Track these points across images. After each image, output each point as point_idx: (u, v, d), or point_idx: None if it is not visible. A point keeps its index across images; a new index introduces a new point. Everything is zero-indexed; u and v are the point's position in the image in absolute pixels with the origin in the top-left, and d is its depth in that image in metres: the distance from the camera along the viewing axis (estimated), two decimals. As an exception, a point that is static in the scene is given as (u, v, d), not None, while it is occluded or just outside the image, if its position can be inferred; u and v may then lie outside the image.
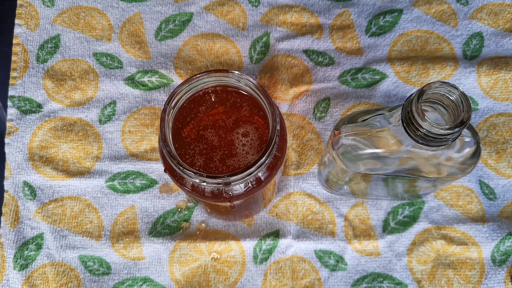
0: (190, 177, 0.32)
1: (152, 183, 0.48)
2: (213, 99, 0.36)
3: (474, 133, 0.35)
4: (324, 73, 0.51)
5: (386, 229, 0.46)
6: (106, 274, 0.46)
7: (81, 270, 0.46)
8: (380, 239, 0.46)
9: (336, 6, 0.53)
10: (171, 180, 0.44)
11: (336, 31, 0.52)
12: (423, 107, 0.31)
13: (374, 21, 0.52)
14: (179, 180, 0.34)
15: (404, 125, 0.30)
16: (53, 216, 0.47)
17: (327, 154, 0.42)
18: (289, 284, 0.45)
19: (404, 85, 0.50)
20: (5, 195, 0.47)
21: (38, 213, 0.47)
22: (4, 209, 0.47)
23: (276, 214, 0.47)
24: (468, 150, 0.35)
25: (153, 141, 0.49)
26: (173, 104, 0.34)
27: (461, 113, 0.29)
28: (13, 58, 0.51)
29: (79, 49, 0.52)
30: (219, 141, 0.35)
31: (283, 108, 0.50)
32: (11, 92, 0.50)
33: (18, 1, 0.53)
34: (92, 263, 0.46)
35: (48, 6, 0.53)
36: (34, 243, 0.46)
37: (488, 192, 0.47)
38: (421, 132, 0.29)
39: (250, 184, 0.34)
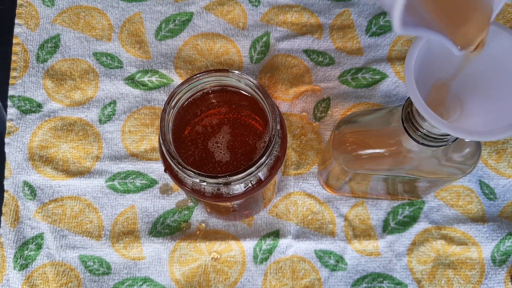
0: (190, 176, 0.32)
1: (152, 183, 0.48)
2: (213, 99, 0.36)
3: (474, 133, 0.35)
4: (324, 73, 0.51)
5: (386, 229, 0.46)
6: (106, 274, 0.46)
7: (81, 270, 0.46)
8: (380, 239, 0.46)
9: (336, 6, 0.53)
10: (171, 180, 0.44)
11: (336, 31, 0.52)
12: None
13: (374, 21, 0.52)
14: (179, 180, 0.34)
15: (404, 125, 0.30)
16: (53, 216, 0.47)
17: (327, 154, 0.42)
18: (289, 284, 0.45)
19: (405, 85, 0.50)
20: (5, 195, 0.47)
21: (38, 213, 0.47)
22: (4, 209, 0.47)
23: (276, 214, 0.47)
24: (468, 150, 0.35)
25: (153, 141, 0.49)
26: (173, 104, 0.34)
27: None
28: (13, 57, 0.51)
29: (79, 48, 0.52)
30: (219, 140, 0.35)
31: (283, 108, 0.50)
32: (11, 92, 0.50)
33: (18, 1, 0.53)
34: (92, 263, 0.46)
35: (48, 6, 0.53)
36: (34, 243, 0.46)
37: (488, 192, 0.47)
38: (421, 133, 0.29)
39: (250, 184, 0.34)
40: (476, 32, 0.24)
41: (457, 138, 0.29)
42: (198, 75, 0.34)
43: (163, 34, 0.52)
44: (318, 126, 0.49)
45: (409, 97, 0.30)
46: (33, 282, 0.45)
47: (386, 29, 0.52)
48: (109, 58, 0.51)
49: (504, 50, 0.26)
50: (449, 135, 0.29)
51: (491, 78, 0.27)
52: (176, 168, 0.32)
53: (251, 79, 0.33)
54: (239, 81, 0.34)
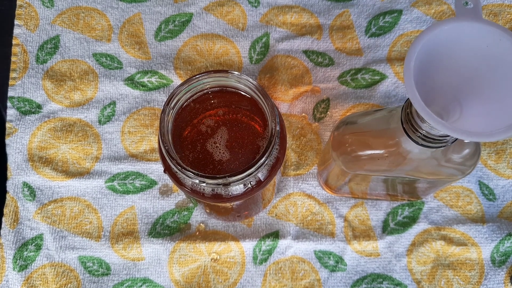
0: (190, 177, 0.32)
1: (151, 183, 0.48)
2: (212, 100, 0.36)
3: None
4: (324, 73, 0.51)
5: (386, 229, 0.46)
6: (105, 274, 0.46)
7: (81, 271, 0.46)
8: (380, 240, 0.46)
9: (336, 7, 0.53)
10: (170, 180, 0.44)
11: (335, 32, 0.52)
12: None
13: (373, 21, 0.52)
14: (179, 181, 0.34)
15: (404, 126, 0.30)
16: (52, 216, 0.47)
17: (326, 155, 0.42)
18: (289, 284, 0.45)
19: (404, 85, 0.50)
20: (6, 195, 0.47)
21: (38, 213, 0.47)
22: (4, 210, 0.47)
23: (276, 215, 0.47)
24: (467, 151, 0.35)
25: (153, 141, 0.49)
26: (172, 104, 0.34)
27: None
28: (13, 59, 0.51)
29: (79, 49, 0.52)
30: (218, 141, 0.35)
31: (283, 108, 0.50)
32: (10, 93, 0.50)
33: (17, 2, 0.53)
34: (91, 264, 0.46)
35: (47, 7, 0.53)
36: (33, 244, 0.46)
37: (487, 192, 0.47)
38: (421, 134, 0.29)
39: (249, 185, 0.34)
40: None
41: (457, 139, 0.29)
42: (197, 76, 0.34)
43: (162, 35, 0.52)
44: (317, 127, 0.49)
45: (408, 98, 0.30)
46: (33, 283, 0.45)
47: (385, 29, 0.52)
48: (108, 59, 0.51)
49: (503, 51, 0.26)
50: (448, 136, 0.29)
51: (490, 79, 0.27)
52: (175, 169, 0.32)
53: (250, 80, 0.33)
54: (239, 82, 0.34)
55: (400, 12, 0.52)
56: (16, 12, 0.52)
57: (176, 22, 0.52)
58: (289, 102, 0.50)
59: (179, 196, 0.48)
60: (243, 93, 0.36)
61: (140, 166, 0.48)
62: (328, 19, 0.52)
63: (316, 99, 0.50)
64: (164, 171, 0.35)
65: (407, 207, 0.47)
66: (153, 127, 0.49)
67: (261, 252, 0.46)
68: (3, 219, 0.47)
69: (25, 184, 0.48)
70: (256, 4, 0.53)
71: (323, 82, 0.50)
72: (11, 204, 0.47)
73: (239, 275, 0.46)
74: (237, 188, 0.34)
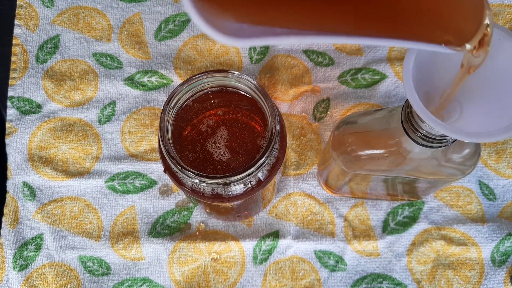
0: (190, 177, 0.32)
1: (151, 183, 0.48)
2: (212, 100, 0.36)
3: (473, 133, 0.35)
4: (324, 73, 0.51)
5: (386, 229, 0.46)
6: (105, 274, 0.46)
7: (81, 271, 0.46)
8: (380, 240, 0.46)
9: (336, 7, 0.53)
10: (170, 180, 0.44)
11: (335, 32, 0.52)
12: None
13: (373, 21, 0.52)
14: (179, 181, 0.34)
15: (404, 126, 0.30)
16: (52, 216, 0.47)
17: (326, 155, 0.42)
18: (289, 284, 0.45)
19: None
20: (6, 195, 0.47)
21: (38, 213, 0.47)
22: (4, 210, 0.47)
23: (276, 215, 0.47)
24: (467, 151, 0.35)
25: (153, 141, 0.49)
26: (172, 104, 0.34)
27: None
28: (13, 58, 0.51)
29: (79, 49, 0.52)
30: (218, 141, 0.35)
31: (283, 108, 0.50)
32: (10, 93, 0.50)
33: (17, 2, 0.53)
34: (91, 264, 0.46)
35: (47, 7, 0.53)
36: (33, 244, 0.46)
37: (487, 192, 0.47)
38: (421, 133, 0.29)
39: (249, 185, 0.34)
40: (470, 24, 0.21)
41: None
42: (197, 76, 0.34)
43: (162, 34, 0.52)
44: (317, 127, 0.49)
45: (408, 98, 0.30)
46: (33, 282, 0.45)
47: (385, 29, 0.52)
48: (108, 58, 0.51)
49: (503, 51, 0.26)
50: (448, 135, 0.28)
51: (490, 79, 0.27)
52: (175, 169, 0.32)
53: (250, 79, 0.33)
54: (239, 82, 0.34)
55: (400, 12, 0.52)
56: (16, 12, 0.52)
57: (176, 21, 0.52)
58: (289, 102, 0.50)
59: (179, 196, 0.48)
60: (243, 93, 0.36)
61: (140, 166, 0.48)
62: (328, 19, 0.52)
63: (316, 99, 0.50)
64: (164, 171, 0.35)
65: (407, 207, 0.47)
66: (153, 127, 0.49)
67: (261, 252, 0.46)
68: (3, 219, 0.47)
69: (25, 184, 0.48)
70: (256, 4, 0.53)
71: (323, 82, 0.50)
72: (11, 204, 0.47)
73: (239, 275, 0.46)
74: (237, 188, 0.34)
